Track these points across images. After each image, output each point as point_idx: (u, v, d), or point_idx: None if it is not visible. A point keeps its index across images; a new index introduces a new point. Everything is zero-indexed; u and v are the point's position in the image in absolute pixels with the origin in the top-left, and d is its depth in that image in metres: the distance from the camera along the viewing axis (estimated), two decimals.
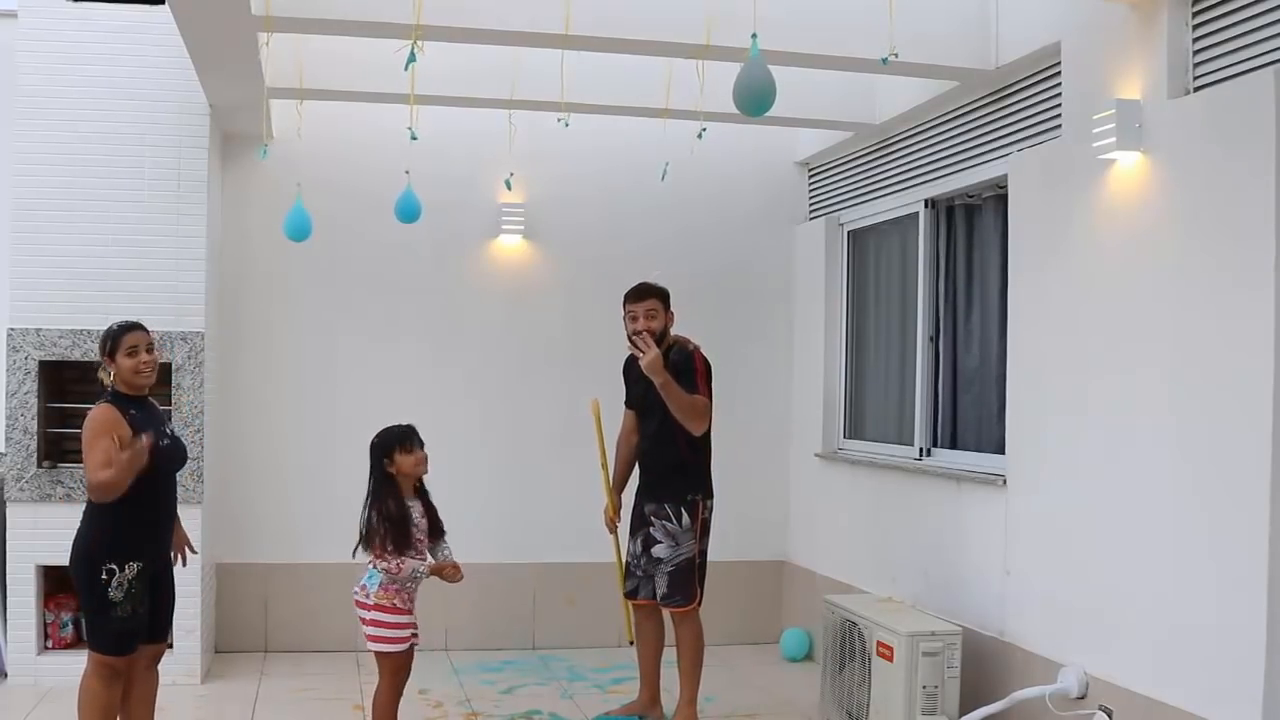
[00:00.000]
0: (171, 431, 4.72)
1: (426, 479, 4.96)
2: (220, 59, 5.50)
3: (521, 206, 7.32)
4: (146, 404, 4.65)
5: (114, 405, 4.48)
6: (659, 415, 5.58)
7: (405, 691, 4.95)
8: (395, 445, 4.84)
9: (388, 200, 6.12)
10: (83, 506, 4.52)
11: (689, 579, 5.56)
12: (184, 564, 4.89)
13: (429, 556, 4.86)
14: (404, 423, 4.93)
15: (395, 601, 4.76)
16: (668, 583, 5.58)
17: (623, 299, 5.68)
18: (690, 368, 5.54)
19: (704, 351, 5.66)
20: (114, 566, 4.39)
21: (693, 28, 5.13)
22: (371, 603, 4.77)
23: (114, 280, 6.28)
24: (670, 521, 5.56)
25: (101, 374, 4.59)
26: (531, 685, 6.55)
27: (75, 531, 4.52)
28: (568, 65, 5.61)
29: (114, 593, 4.39)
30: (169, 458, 4.62)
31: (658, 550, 5.59)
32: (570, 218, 7.49)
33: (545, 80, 5.97)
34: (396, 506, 4.76)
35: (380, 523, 4.73)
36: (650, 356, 5.39)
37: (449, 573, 4.88)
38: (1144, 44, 4.50)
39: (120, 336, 4.55)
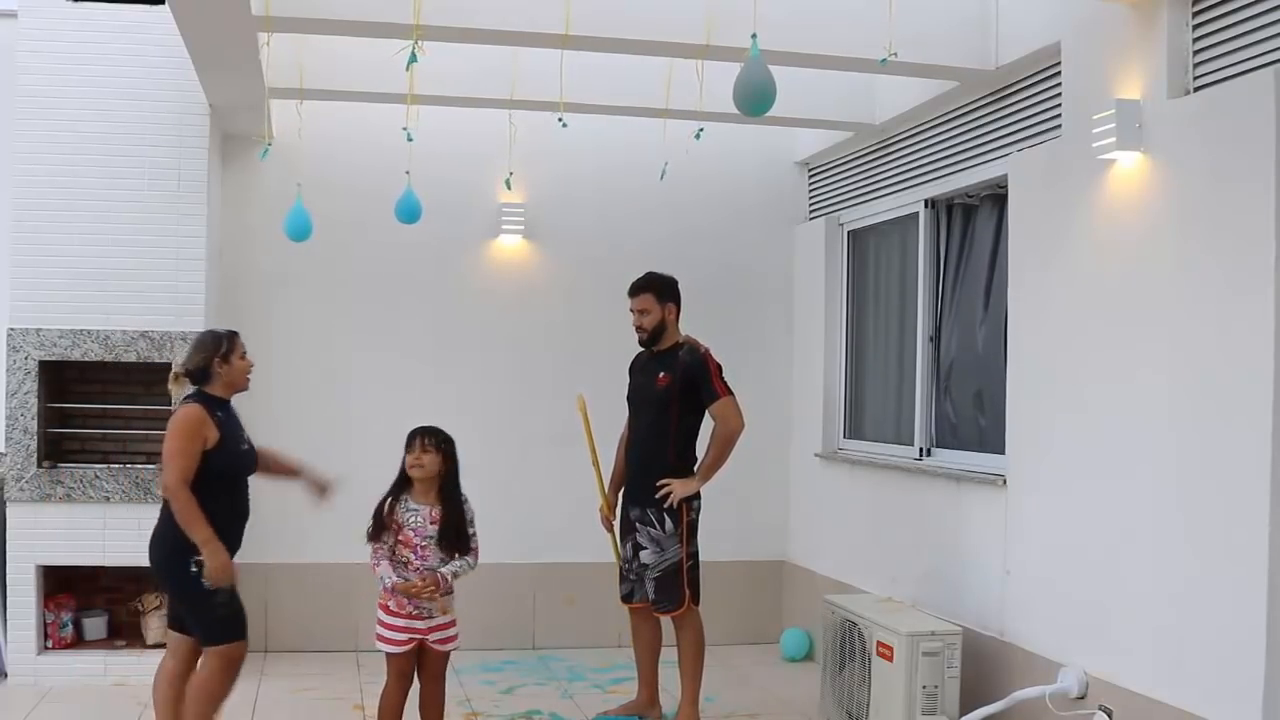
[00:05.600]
0: (249, 439, 4.80)
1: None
2: (220, 59, 5.50)
3: (521, 206, 7.32)
4: (230, 408, 4.72)
5: (203, 406, 4.54)
6: (652, 412, 5.61)
7: (409, 692, 4.90)
8: (405, 446, 4.86)
9: (388, 200, 6.12)
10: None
11: (675, 584, 5.55)
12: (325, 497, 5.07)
13: (433, 560, 4.78)
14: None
15: (390, 603, 4.74)
16: (654, 588, 5.58)
17: None
18: (705, 371, 5.54)
19: (713, 353, 5.67)
20: (201, 558, 4.40)
21: (693, 28, 5.13)
22: (379, 600, 4.79)
23: (114, 280, 6.29)
24: (654, 527, 5.55)
25: (173, 385, 4.66)
26: (531, 685, 6.55)
27: (152, 532, 4.59)
28: (567, 65, 5.61)
29: (208, 583, 4.41)
30: (250, 462, 4.75)
31: (644, 556, 5.59)
32: (570, 218, 7.48)
33: (545, 80, 5.97)
34: (384, 504, 4.78)
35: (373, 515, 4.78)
36: (676, 487, 5.47)
37: (416, 590, 4.67)
38: (1144, 44, 4.50)
39: (235, 339, 4.69)
